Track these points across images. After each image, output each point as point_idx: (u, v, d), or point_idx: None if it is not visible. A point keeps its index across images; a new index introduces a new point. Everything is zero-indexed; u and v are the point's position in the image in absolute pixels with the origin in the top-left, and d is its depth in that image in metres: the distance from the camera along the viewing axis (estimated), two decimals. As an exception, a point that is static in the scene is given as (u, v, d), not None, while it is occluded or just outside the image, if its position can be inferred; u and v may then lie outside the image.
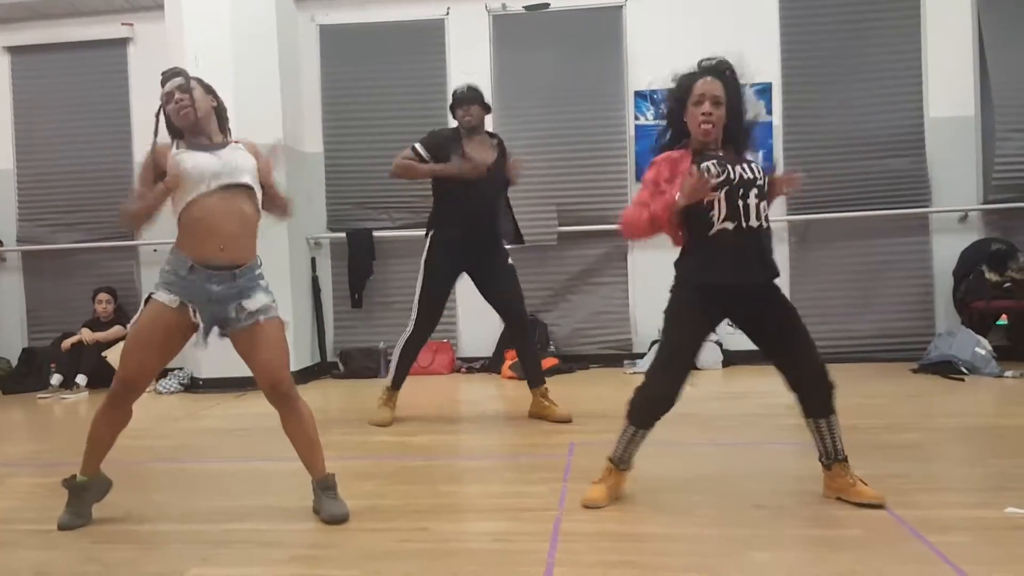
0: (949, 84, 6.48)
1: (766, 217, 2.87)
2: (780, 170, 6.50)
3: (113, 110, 7.03)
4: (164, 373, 6.51)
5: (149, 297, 3.15)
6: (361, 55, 7.01)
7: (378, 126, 6.90)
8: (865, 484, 2.94)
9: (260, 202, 3.09)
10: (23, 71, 7.21)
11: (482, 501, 3.28)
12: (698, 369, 2.98)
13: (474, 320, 6.90)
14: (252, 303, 2.99)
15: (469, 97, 4.71)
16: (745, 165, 2.88)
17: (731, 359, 6.39)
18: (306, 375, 6.57)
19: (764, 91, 6.62)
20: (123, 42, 7.17)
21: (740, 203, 2.81)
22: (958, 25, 6.47)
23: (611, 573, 2.38)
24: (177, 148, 3.01)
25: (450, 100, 4.87)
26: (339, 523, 2.91)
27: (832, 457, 3.00)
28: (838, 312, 6.56)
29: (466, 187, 4.51)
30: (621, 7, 6.76)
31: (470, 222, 4.56)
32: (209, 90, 3.14)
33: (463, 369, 6.79)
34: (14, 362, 7.01)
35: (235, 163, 2.99)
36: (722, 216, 2.81)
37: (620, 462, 3.02)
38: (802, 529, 2.74)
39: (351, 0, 7.01)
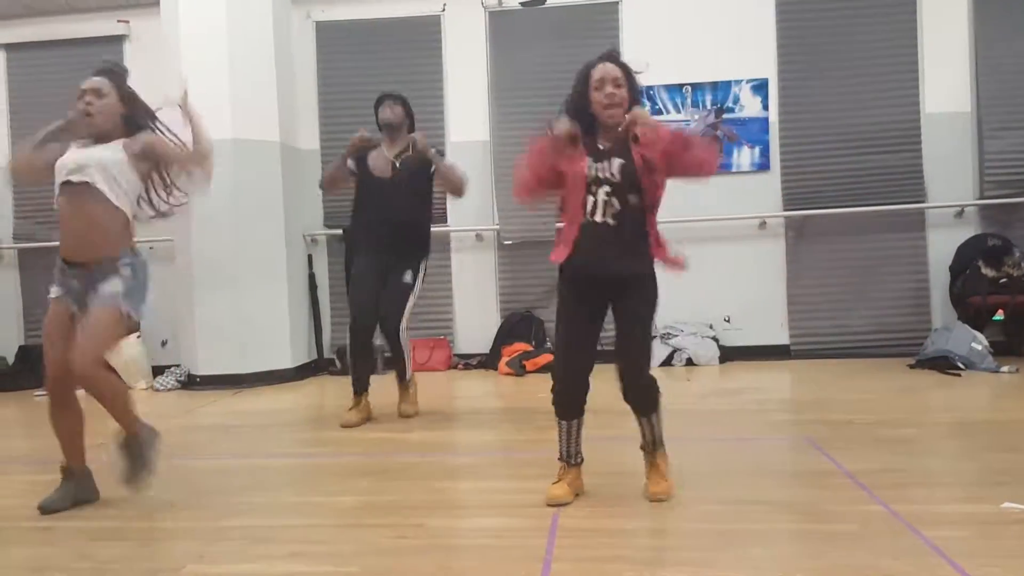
0: (945, 80, 6.48)
1: (614, 215, 2.87)
2: (775, 167, 6.57)
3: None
4: (161, 370, 6.51)
5: None
6: (357, 51, 6.99)
7: (374, 122, 6.87)
8: (664, 479, 3.01)
9: (122, 196, 3.13)
10: (19, 68, 7.19)
11: (479, 497, 3.29)
12: (595, 355, 3.00)
13: (471, 317, 6.90)
14: (101, 290, 3.08)
15: (393, 95, 4.78)
16: (606, 162, 2.88)
17: (728, 355, 6.40)
18: (303, 372, 6.57)
19: (760, 87, 6.62)
20: (119, 39, 7.14)
21: (590, 199, 2.88)
22: (954, 20, 6.47)
23: (608, 568, 2.39)
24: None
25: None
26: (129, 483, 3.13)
27: (651, 447, 3.07)
28: (834, 307, 6.57)
29: (368, 193, 4.67)
30: (617, 3, 6.75)
31: (366, 222, 4.67)
32: (127, 98, 3.22)
33: (460, 366, 6.79)
34: (10, 359, 7.00)
35: (88, 160, 3.08)
36: (584, 211, 2.90)
37: (567, 456, 3.07)
38: (797, 524, 2.75)
39: (347, -4, 7.00)
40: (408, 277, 4.63)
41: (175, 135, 3.32)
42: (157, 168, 3.26)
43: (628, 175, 2.86)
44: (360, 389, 4.70)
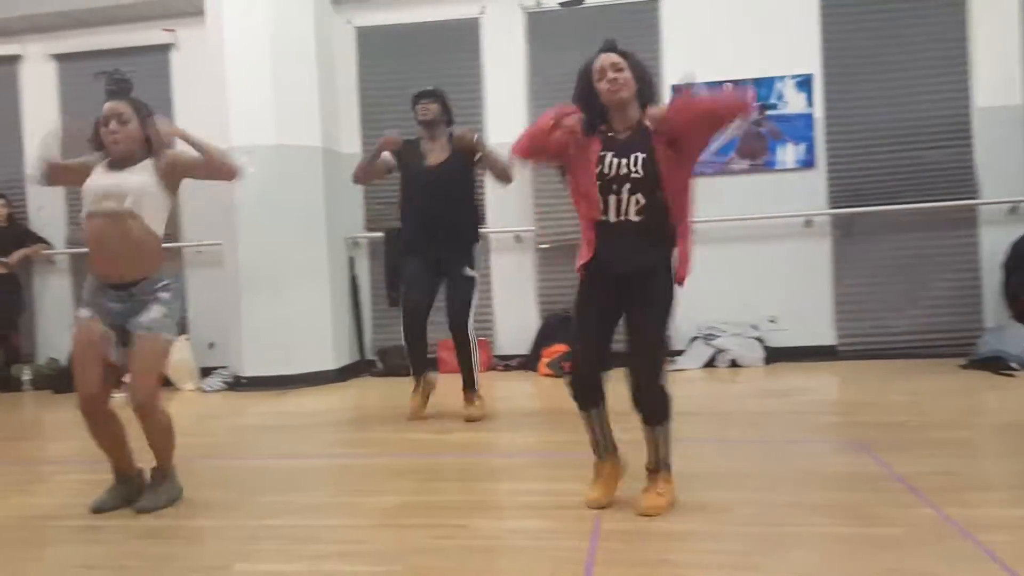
0: (997, 72, 6.31)
1: (638, 211, 2.84)
2: (820, 164, 6.46)
3: (156, 112, 7.14)
4: (208, 372, 6.62)
5: None
6: (397, 56, 7.04)
7: (414, 126, 6.90)
8: (660, 495, 2.91)
9: (154, 219, 3.19)
10: (69, 78, 7.37)
11: (520, 499, 3.28)
12: (609, 346, 2.97)
13: (510, 318, 6.90)
14: (144, 317, 3.13)
15: (429, 92, 4.80)
16: (627, 159, 2.85)
17: (773, 356, 6.31)
18: (345, 373, 6.63)
19: (804, 82, 6.52)
20: (165, 48, 7.29)
21: (612, 198, 2.86)
22: (1004, 12, 6.30)
23: (651, 572, 2.37)
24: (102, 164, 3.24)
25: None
26: (140, 512, 3.15)
27: (655, 466, 2.98)
28: (882, 307, 6.44)
29: (415, 188, 4.72)
30: (657, 0, 6.71)
31: (416, 222, 4.71)
32: (147, 121, 3.25)
33: (499, 367, 6.79)
34: (63, 362, 7.17)
35: (123, 188, 3.12)
36: (600, 210, 2.89)
37: (597, 449, 3.06)
38: (845, 527, 2.69)
39: (387, 1, 7.05)
40: (468, 271, 4.69)
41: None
42: (186, 178, 3.32)
43: (651, 169, 2.82)
44: (419, 371, 4.79)
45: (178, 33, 7.25)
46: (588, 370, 2.96)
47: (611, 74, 2.88)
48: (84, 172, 3.25)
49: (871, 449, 3.58)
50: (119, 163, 3.21)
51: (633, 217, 2.85)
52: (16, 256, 7.01)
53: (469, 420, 4.66)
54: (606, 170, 2.86)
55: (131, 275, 3.13)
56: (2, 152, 7.52)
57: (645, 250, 2.86)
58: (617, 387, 2.95)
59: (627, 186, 2.84)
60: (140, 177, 3.16)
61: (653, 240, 2.87)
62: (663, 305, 2.90)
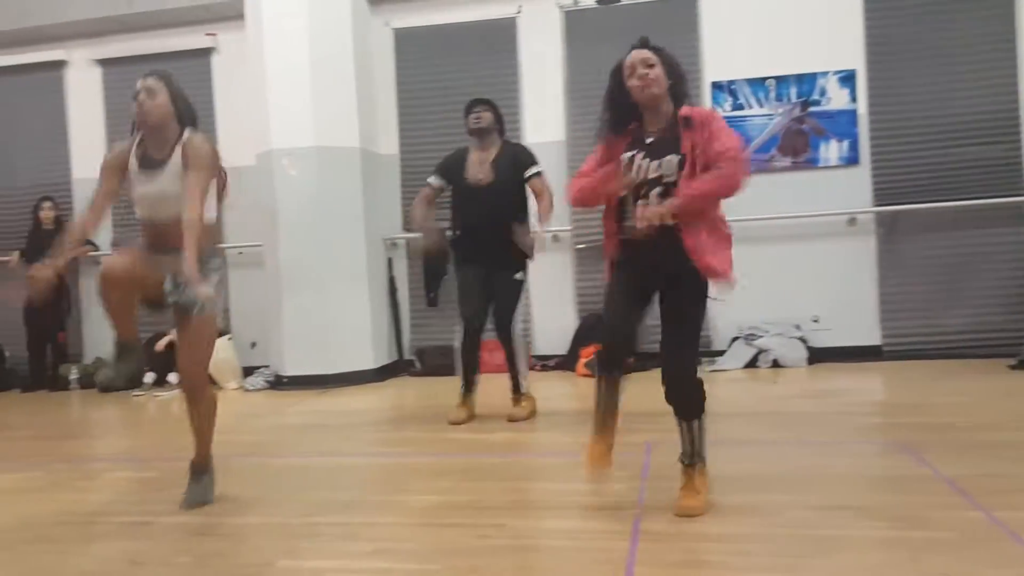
0: (1046, 66, 6.17)
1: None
2: (864, 161, 6.35)
3: (198, 118, 7.24)
4: (250, 371, 6.71)
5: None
6: (434, 56, 7.07)
7: (452, 126, 6.90)
8: (697, 494, 2.84)
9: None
10: (114, 82, 7.51)
11: (559, 498, 3.27)
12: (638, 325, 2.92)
13: (548, 318, 6.89)
14: (197, 290, 3.04)
15: (481, 100, 4.81)
16: (658, 161, 2.80)
17: (816, 356, 6.22)
18: (384, 373, 6.67)
19: (848, 78, 6.42)
20: (207, 52, 7.41)
21: (641, 203, 2.81)
22: (1056, 3, 6.16)
23: (692, 573, 2.35)
24: (135, 151, 3.20)
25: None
26: (191, 507, 3.19)
27: (689, 459, 2.91)
28: (928, 307, 6.32)
29: (466, 200, 4.72)
30: (696, -3, 6.66)
31: (469, 231, 4.73)
32: (176, 98, 3.21)
33: (538, 367, 6.78)
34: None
35: (167, 194, 3.11)
36: (627, 214, 2.85)
37: (595, 424, 2.99)
38: (890, 531, 2.64)
39: (424, 3, 7.08)
40: (520, 275, 4.74)
41: None
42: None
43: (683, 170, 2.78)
44: (469, 389, 4.80)
45: (219, 37, 7.36)
46: (619, 334, 2.89)
47: (641, 70, 2.83)
48: (120, 170, 3.23)
49: (917, 451, 3.51)
50: (149, 146, 3.17)
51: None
52: (64, 258, 7.15)
53: (511, 420, 4.67)
54: (634, 173, 2.82)
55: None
56: (49, 156, 7.70)
57: (679, 252, 2.78)
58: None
59: (657, 190, 2.79)
60: (175, 181, 3.11)
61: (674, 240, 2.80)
62: (696, 298, 2.85)
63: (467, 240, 4.75)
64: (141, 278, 3.08)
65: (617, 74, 2.91)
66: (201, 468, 3.31)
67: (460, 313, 4.77)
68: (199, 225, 3.04)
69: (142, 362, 3.35)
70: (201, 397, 3.24)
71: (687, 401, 2.88)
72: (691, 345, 2.88)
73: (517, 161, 4.73)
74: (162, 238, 3.13)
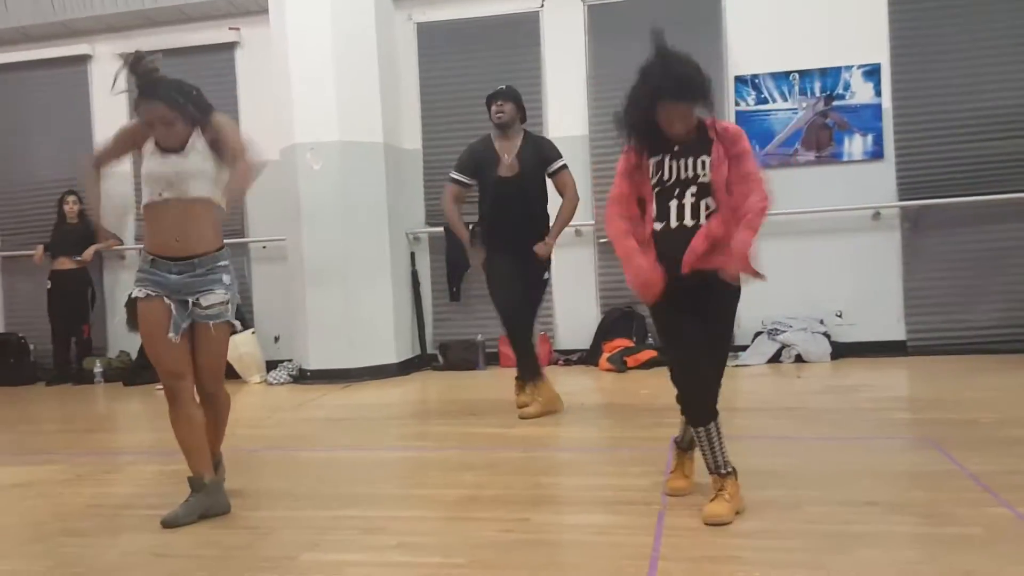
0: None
1: (708, 215, 2.75)
2: (889, 155, 6.28)
3: (222, 111, 7.29)
4: (274, 365, 6.75)
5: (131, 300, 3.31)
6: (457, 51, 7.07)
7: (475, 121, 6.91)
8: (726, 500, 2.74)
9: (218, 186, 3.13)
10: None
11: (583, 493, 3.28)
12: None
13: (571, 313, 6.89)
14: (207, 303, 3.08)
15: (503, 93, 4.76)
16: (691, 160, 2.76)
17: (840, 351, 6.18)
18: (407, 367, 6.69)
19: (872, 72, 6.36)
20: (231, 46, 7.45)
21: (674, 203, 2.77)
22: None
23: (717, 568, 2.34)
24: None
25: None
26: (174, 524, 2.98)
27: (714, 470, 2.81)
28: (954, 301, 6.25)
29: (496, 193, 4.71)
30: (720, -9, 6.61)
31: (498, 222, 4.72)
32: (184, 109, 3.08)
33: (560, 361, 6.79)
34: (134, 355, 7.39)
35: (186, 172, 3.05)
36: (654, 215, 2.79)
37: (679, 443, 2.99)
38: (916, 527, 2.63)
39: (447, -3, 7.09)
40: (547, 274, 4.79)
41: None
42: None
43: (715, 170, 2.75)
44: (528, 374, 4.73)
45: (243, 32, 7.40)
46: (690, 377, 2.83)
47: (677, 127, 2.74)
48: (134, 140, 3.18)
49: (942, 446, 3.48)
50: (163, 143, 3.10)
51: (703, 221, 2.76)
52: (89, 252, 7.24)
53: (521, 415, 4.63)
54: (665, 176, 2.78)
55: (194, 249, 3.08)
56: (74, 150, 7.75)
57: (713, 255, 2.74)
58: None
59: (692, 189, 2.76)
60: (195, 161, 3.06)
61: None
62: (728, 315, 2.87)
63: (498, 232, 4.73)
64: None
65: (645, 103, 2.78)
66: (215, 463, 3.22)
67: (496, 305, 4.76)
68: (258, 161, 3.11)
69: (221, 504, 3.13)
70: (218, 401, 3.23)
71: (688, 406, 2.86)
72: (719, 355, 2.85)
73: (541, 153, 4.73)
74: (179, 220, 3.05)
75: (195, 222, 3.08)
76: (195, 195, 3.07)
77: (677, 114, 2.73)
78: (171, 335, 3.03)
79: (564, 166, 4.75)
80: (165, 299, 3.05)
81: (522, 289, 4.68)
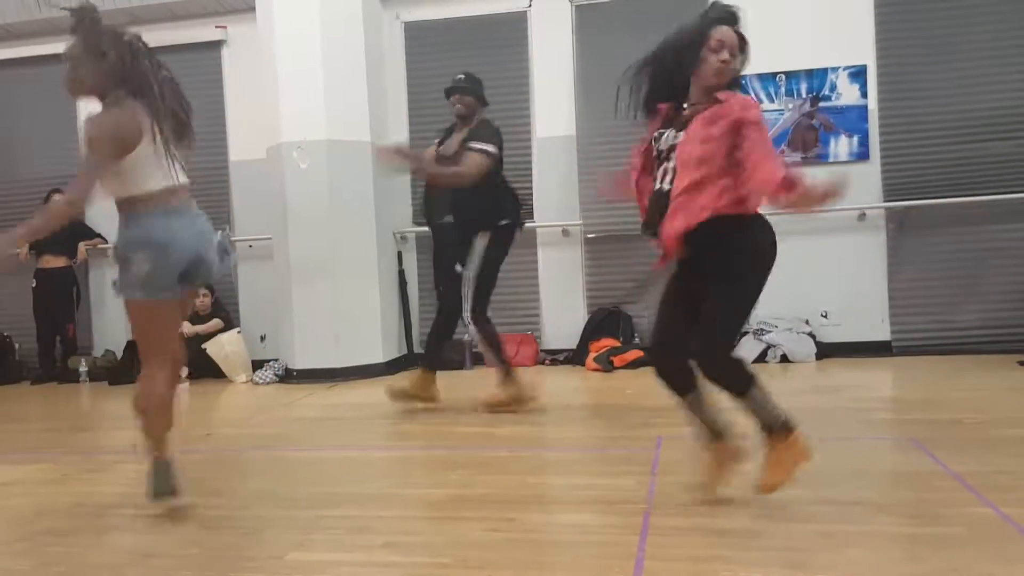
0: (1060, 61, 6.13)
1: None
2: (874, 156, 6.32)
3: (209, 111, 7.25)
4: (260, 364, 6.73)
5: None
6: (445, 50, 7.06)
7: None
8: (777, 464, 2.78)
9: None
10: (125, 75, 7.53)
11: (569, 493, 3.28)
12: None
13: (557, 312, 6.90)
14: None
15: (461, 87, 4.83)
16: (680, 132, 2.78)
17: (825, 352, 6.22)
18: (393, 366, 6.68)
19: (858, 73, 6.40)
20: (217, 44, 7.42)
21: (661, 169, 2.81)
22: (1070, -3, 6.11)
23: (702, 568, 2.35)
24: None
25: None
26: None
27: (765, 428, 2.86)
28: (939, 302, 6.30)
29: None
30: (707, -8, 6.63)
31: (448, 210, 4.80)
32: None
33: (547, 361, 6.80)
34: (119, 354, 7.35)
35: None
36: (658, 180, 2.83)
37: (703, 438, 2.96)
38: (899, 526, 2.64)
39: (435, -4, 7.09)
40: (458, 267, 4.75)
41: None
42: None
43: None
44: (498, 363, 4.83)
45: (229, 30, 7.37)
46: (662, 351, 2.88)
47: (726, 55, 2.76)
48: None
49: (927, 446, 3.50)
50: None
51: (665, 186, 2.80)
52: (82, 250, 7.25)
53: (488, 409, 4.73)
54: (661, 145, 2.82)
55: None
56: (58, 149, 7.69)
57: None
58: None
59: (675, 154, 2.80)
60: None
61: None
62: (721, 275, 2.77)
63: (434, 223, 4.92)
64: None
65: (696, 39, 2.79)
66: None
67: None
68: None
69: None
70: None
71: (723, 377, 2.81)
72: (715, 325, 2.79)
73: (473, 137, 4.66)
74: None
75: None
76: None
77: (732, 43, 2.75)
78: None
79: (481, 149, 4.56)
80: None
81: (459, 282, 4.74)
